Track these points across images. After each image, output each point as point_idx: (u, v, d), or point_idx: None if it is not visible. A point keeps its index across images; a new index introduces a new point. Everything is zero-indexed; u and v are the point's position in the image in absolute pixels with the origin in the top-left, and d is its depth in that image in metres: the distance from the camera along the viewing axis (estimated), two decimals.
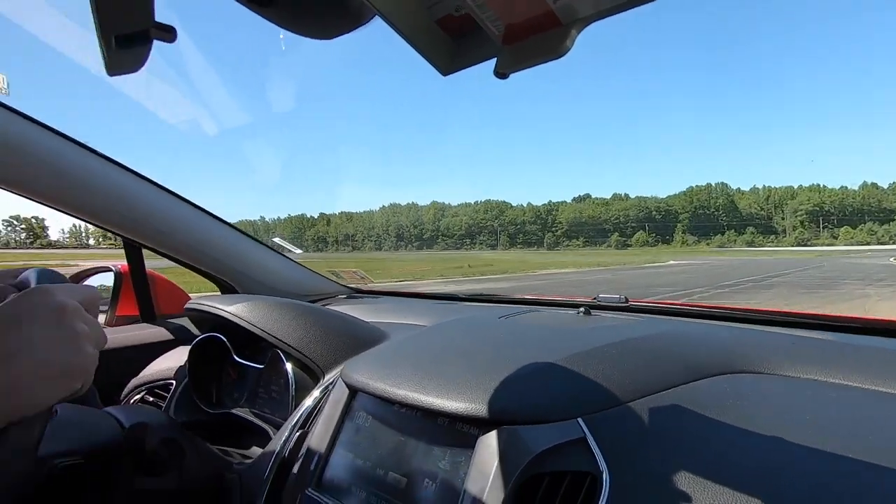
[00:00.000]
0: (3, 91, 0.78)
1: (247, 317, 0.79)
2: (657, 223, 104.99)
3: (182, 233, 1.05)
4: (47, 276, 0.55)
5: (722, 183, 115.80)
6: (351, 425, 0.58)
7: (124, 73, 0.49)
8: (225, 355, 0.94)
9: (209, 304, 0.87)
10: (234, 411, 0.86)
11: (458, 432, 0.50)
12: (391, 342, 0.72)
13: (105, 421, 0.59)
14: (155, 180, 1.01)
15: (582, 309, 0.90)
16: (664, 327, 0.75)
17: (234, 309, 0.81)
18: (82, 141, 0.90)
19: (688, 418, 0.47)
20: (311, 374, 0.74)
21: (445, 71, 0.40)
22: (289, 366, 0.75)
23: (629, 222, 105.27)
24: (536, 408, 0.48)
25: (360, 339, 0.80)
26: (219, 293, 1.15)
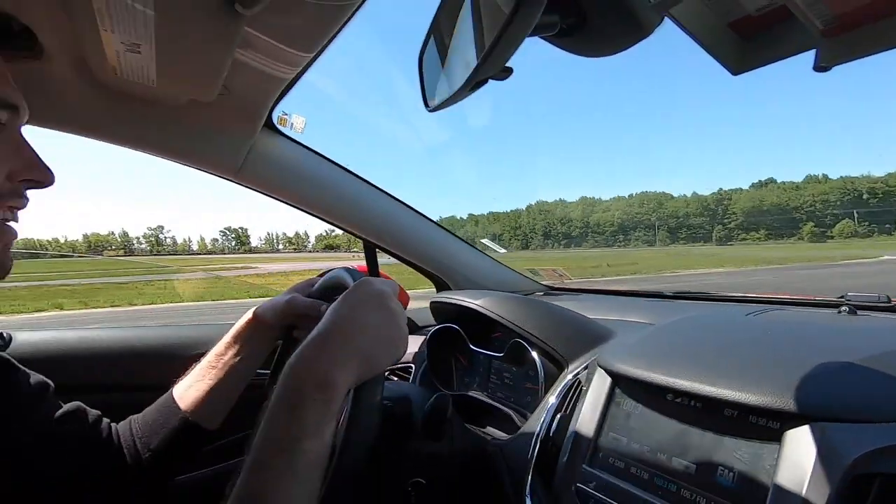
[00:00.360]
0: (300, 130, 0.98)
1: (495, 309, 0.88)
2: (871, 208, 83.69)
3: (409, 236, 1.21)
4: (354, 272, 0.67)
5: None
6: (618, 411, 0.61)
7: (443, 108, 0.58)
8: (457, 344, 1.05)
9: (457, 298, 0.98)
10: (471, 394, 0.95)
11: (753, 425, 0.49)
12: (646, 335, 0.72)
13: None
14: (388, 191, 1.17)
15: (845, 308, 0.81)
16: None
17: (483, 302, 0.91)
18: (339, 162, 1.10)
19: None
20: (556, 363, 0.78)
21: (737, 70, 0.40)
22: (535, 354, 0.80)
23: (829, 209, 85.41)
24: (858, 406, 0.46)
25: (592, 333, 0.83)
26: (433, 290, 1.29)
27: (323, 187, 1.08)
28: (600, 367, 0.66)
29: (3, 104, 0.50)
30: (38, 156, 0.52)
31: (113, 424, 0.73)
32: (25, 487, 0.58)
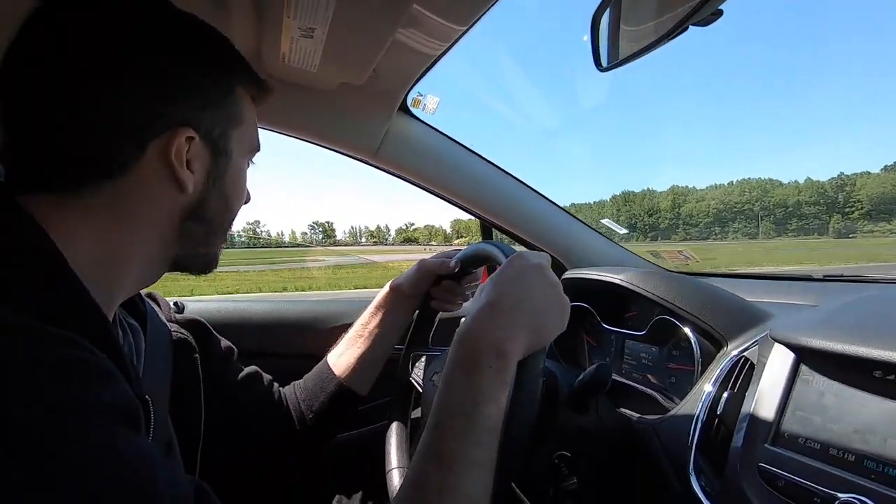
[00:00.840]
0: (431, 111, 1.01)
1: (641, 284, 0.85)
2: None
3: (529, 216, 1.21)
4: (504, 247, 0.67)
5: None
6: (807, 389, 0.57)
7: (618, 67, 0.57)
8: (584, 322, 1.03)
9: (594, 273, 0.96)
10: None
11: None
12: (830, 310, 0.66)
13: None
14: (507, 170, 1.17)
15: None
16: None
17: (627, 277, 0.88)
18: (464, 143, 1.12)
19: None
20: (713, 341, 0.74)
21: None
22: (689, 331, 0.76)
23: None
24: None
25: (752, 310, 0.77)
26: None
27: (449, 169, 1.11)
28: (779, 342, 0.61)
29: (257, 149, 0.57)
30: None
31: (281, 388, 0.80)
32: (208, 445, 0.64)
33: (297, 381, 0.82)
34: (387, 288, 0.84)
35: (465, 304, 0.88)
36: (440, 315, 0.87)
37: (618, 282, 0.89)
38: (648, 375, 0.87)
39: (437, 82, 1.06)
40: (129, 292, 0.51)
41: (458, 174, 1.11)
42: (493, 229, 1.24)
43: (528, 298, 0.50)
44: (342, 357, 0.81)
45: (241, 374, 0.76)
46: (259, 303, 1.23)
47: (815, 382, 0.56)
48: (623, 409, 0.82)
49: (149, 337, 0.58)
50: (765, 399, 0.59)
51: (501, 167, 1.16)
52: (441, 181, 1.10)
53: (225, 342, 0.77)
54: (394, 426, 0.80)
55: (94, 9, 0.43)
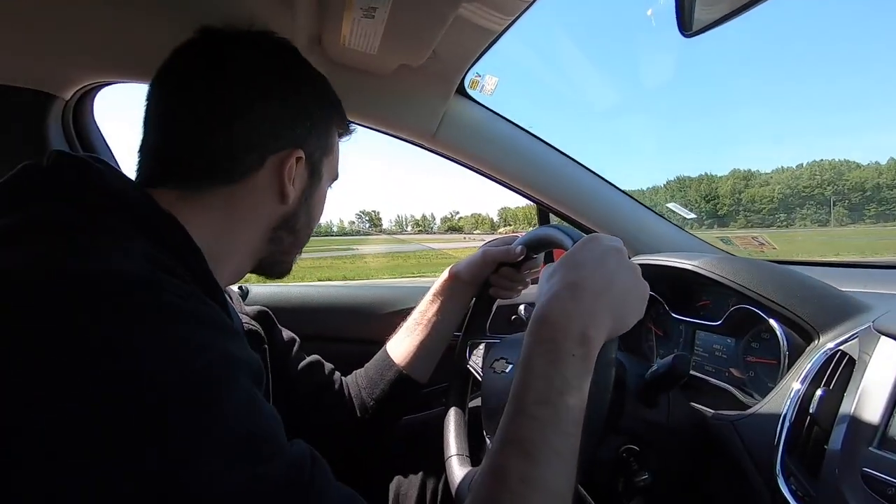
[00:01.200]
0: (489, 92, 0.98)
1: (719, 271, 0.79)
2: None
3: (589, 201, 1.16)
4: (571, 230, 0.63)
5: None
6: None
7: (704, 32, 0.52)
8: (649, 311, 0.97)
9: (664, 259, 0.91)
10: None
11: None
12: None
13: None
14: (567, 153, 1.13)
15: None
16: None
17: (702, 263, 0.82)
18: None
19: None
20: (803, 334, 0.68)
21: None
22: (774, 322, 0.70)
23: None
24: None
25: (847, 301, 0.70)
26: None
27: (507, 152, 1.08)
28: (885, 335, 0.55)
29: (336, 177, 0.64)
30: None
31: (343, 378, 0.82)
32: None
33: (358, 371, 0.84)
34: (446, 275, 0.83)
35: (524, 291, 0.86)
36: (497, 302, 0.86)
37: (691, 268, 0.84)
38: (723, 369, 0.81)
39: (493, 62, 1.03)
40: (224, 285, 0.55)
41: (516, 157, 1.08)
42: (552, 215, 1.20)
43: (612, 282, 0.48)
44: (401, 345, 0.82)
45: (302, 364, 0.78)
46: (320, 287, 1.26)
47: None
48: (693, 404, 0.77)
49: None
50: (869, 398, 0.54)
51: (561, 150, 1.12)
52: (499, 165, 1.07)
53: (287, 333, 0.80)
54: (452, 412, 0.79)
55: (249, 46, 0.54)
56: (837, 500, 0.51)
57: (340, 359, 0.85)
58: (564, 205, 1.14)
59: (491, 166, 1.08)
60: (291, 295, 1.18)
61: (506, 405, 0.44)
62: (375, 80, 0.94)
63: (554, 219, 1.24)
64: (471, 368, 0.81)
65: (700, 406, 0.74)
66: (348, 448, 0.80)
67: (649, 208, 1.20)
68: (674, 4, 0.66)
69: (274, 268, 0.62)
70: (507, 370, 0.71)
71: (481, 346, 0.82)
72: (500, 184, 1.11)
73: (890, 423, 0.51)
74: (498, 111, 1.08)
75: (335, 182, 0.65)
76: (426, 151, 1.08)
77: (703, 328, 0.85)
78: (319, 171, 0.59)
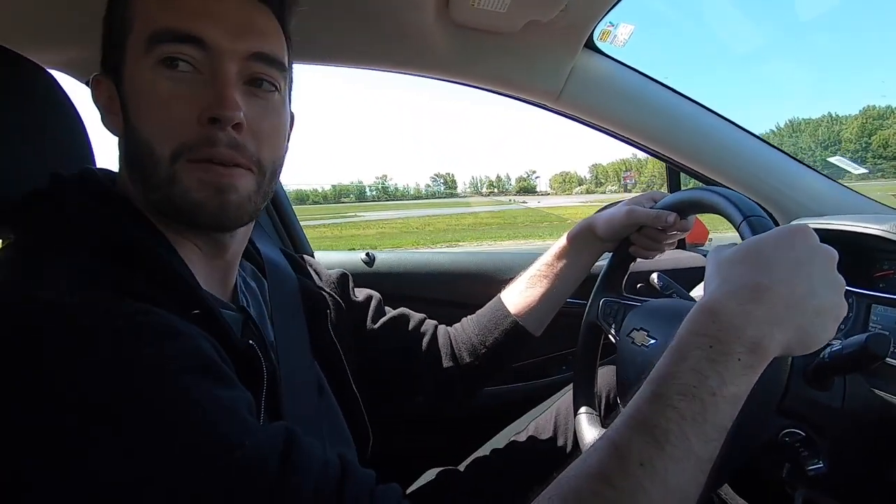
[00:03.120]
0: (621, 44, 0.90)
1: None
2: None
3: (730, 156, 1.05)
4: (739, 198, 0.55)
5: None
6: None
7: None
8: None
9: (837, 223, 0.81)
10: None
11: None
12: None
13: None
14: (708, 106, 1.02)
15: None
16: None
17: (890, 227, 0.72)
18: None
19: None
20: None
21: None
22: None
23: None
24: None
25: None
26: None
27: (639, 109, 0.99)
28: None
29: (168, 34, 0.42)
30: (225, 88, 0.43)
31: (441, 328, 0.81)
32: (362, 389, 0.65)
33: (469, 317, 0.83)
34: (580, 226, 0.80)
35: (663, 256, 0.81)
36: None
37: (876, 232, 0.73)
38: None
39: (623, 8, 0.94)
40: (205, 250, 0.50)
41: (649, 113, 1.00)
42: (682, 174, 1.11)
43: (812, 295, 0.41)
44: (520, 295, 0.80)
45: (384, 319, 0.76)
46: (444, 254, 1.30)
47: None
48: (876, 391, 0.69)
49: (271, 288, 0.60)
50: None
51: (701, 103, 1.01)
52: (630, 123, 1.00)
53: (365, 292, 0.78)
54: (582, 369, 0.80)
55: None
56: None
57: (456, 321, 0.85)
58: (704, 164, 1.04)
59: (621, 124, 1.01)
60: (413, 260, 1.23)
61: (643, 384, 0.40)
62: (500, 41, 0.90)
63: (685, 179, 1.15)
64: (601, 325, 0.79)
65: (886, 394, 0.66)
66: (449, 400, 0.80)
67: (807, 164, 1.06)
68: None
69: (170, 213, 0.45)
70: (647, 344, 0.67)
71: (616, 308, 0.79)
72: (630, 143, 1.04)
73: None
74: (630, 64, 0.99)
75: (165, 32, 0.42)
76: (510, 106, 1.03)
77: (884, 301, 0.75)
78: (118, 62, 0.44)
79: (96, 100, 0.47)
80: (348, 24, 0.87)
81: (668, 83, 1.00)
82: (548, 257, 0.81)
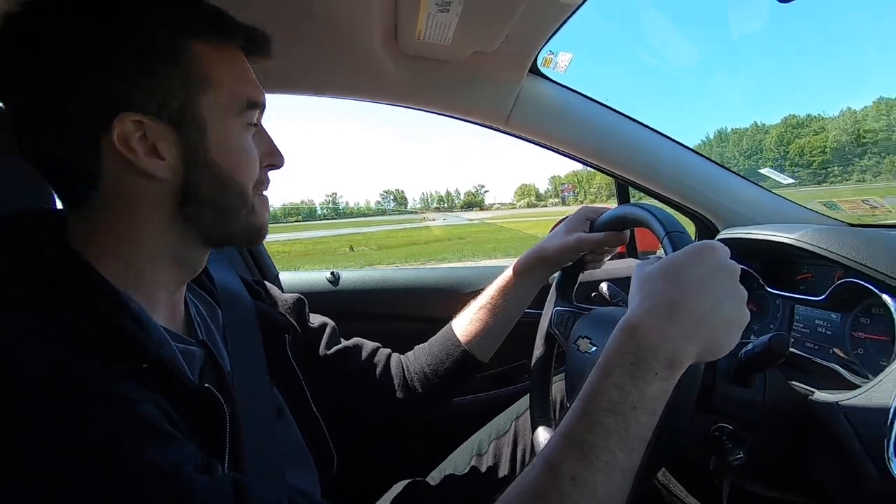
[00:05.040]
0: (562, 69, 0.97)
1: (825, 244, 0.76)
2: None
3: (671, 171, 1.12)
4: (663, 214, 0.60)
5: None
6: None
7: None
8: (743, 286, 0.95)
9: (760, 232, 0.88)
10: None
11: None
12: None
13: None
14: (641, 121, 1.09)
15: None
16: None
17: (802, 236, 0.79)
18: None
19: None
20: None
21: None
22: (888, 298, 0.67)
23: None
24: None
25: None
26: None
27: (583, 128, 1.06)
28: None
29: (255, 104, 0.51)
30: (274, 142, 0.55)
31: (395, 357, 0.81)
32: (323, 413, 0.66)
33: (421, 346, 0.83)
34: (532, 252, 0.82)
35: (606, 266, 0.87)
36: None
37: (791, 241, 0.81)
38: (826, 346, 0.79)
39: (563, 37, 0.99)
40: (176, 285, 0.52)
41: (592, 133, 1.06)
42: (630, 188, 1.18)
43: (718, 308, 0.44)
44: (470, 324, 0.81)
45: (337, 347, 0.76)
46: (403, 270, 1.32)
47: None
48: (793, 383, 0.75)
49: (226, 315, 0.60)
50: None
51: (641, 121, 1.08)
52: (575, 142, 1.06)
53: (320, 319, 0.78)
54: (536, 378, 0.83)
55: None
56: None
57: (421, 338, 0.87)
58: (648, 179, 1.11)
59: (567, 144, 1.06)
60: (375, 278, 1.25)
61: (575, 400, 0.44)
62: (448, 68, 0.95)
63: (636, 194, 1.22)
64: (555, 334, 0.83)
65: (801, 385, 0.73)
66: (402, 426, 0.82)
67: (741, 175, 1.14)
68: None
69: (229, 240, 0.53)
70: (590, 351, 0.72)
71: (566, 316, 0.83)
72: (578, 161, 1.10)
73: None
74: (573, 87, 1.05)
75: (257, 112, 0.51)
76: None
77: (804, 303, 0.83)
78: (193, 117, 0.46)
79: (126, 138, 0.43)
80: (299, 53, 0.89)
81: (609, 104, 1.07)
82: (499, 283, 0.83)
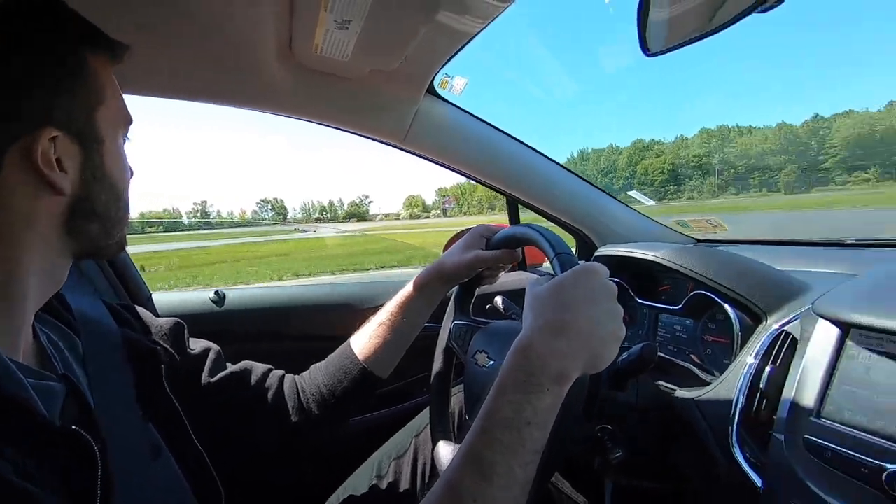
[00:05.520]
0: (458, 92, 1.00)
1: (677, 260, 0.87)
2: None
3: (556, 192, 1.22)
4: (553, 238, 0.64)
5: None
6: (853, 364, 0.59)
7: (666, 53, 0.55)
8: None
9: (628, 249, 0.99)
10: None
11: None
12: (873, 281, 0.69)
13: None
14: (529, 144, 1.18)
15: None
16: None
17: (663, 254, 0.91)
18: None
19: None
20: (752, 316, 0.77)
21: None
22: (728, 307, 0.79)
23: None
24: None
25: (790, 283, 0.80)
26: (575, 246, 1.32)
27: (478, 149, 1.11)
28: (822, 317, 0.64)
29: (131, 119, 0.53)
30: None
31: (289, 378, 0.78)
32: (208, 445, 0.62)
33: (318, 364, 0.81)
34: (430, 268, 0.83)
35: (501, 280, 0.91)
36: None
37: (653, 258, 0.92)
38: (684, 348, 0.91)
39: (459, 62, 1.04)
40: (36, 305, 0.49)
41: (486, 154, 1.12)
42: (521, 207, 1.26)
43: (598, 326, 0.49)
44: (369, 341, 0.80)
45: (223, 373, 0.72)
46: (299, 288, 1.25)
47: (861, 357, 0.59)
48: (659, 383, 0.85)
49: (86, 345, 0.55)
50: (810, 373, 0.62)
51: (529, 145, 1.16)
52: (470, 162, 1.11)
53: (202, 344, 0.73)
54: (436, 392, 0.84)
55: None
56: (784, 465, 0.60)
57: (318, 357, 0.84)
58: (535, 198, 1.20)
59: (463, 163, 1.11)
60: (265, 296, 1.17)
61: (475, 419, 0.46)
62: (346, 84, 0.93)
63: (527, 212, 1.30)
64: (454, 349, 0.85)
65: (666, 384, 0.83)
66: (299, 447, 0.78)
67: (614, 197, 1.28)
68: (636, 22, 0.66)
69: (100, 253, 0.54)
70: (487, 365, 0.75)
71: (464, 330, 0.85)
72: (474, 180, 1.15)
73: (827, 394, 0.60)
74: (468, 109, 1.10)
75: (130, 126, 0.53)
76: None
77: (665, 311, 0.95)
78: (95, 132, 0.47)
79: (36, 152, 0.43)
80: (189, 58, 0.82)
81: (502, 127, 1.14)
82: (399, 299, 0.83)
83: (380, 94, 0.97)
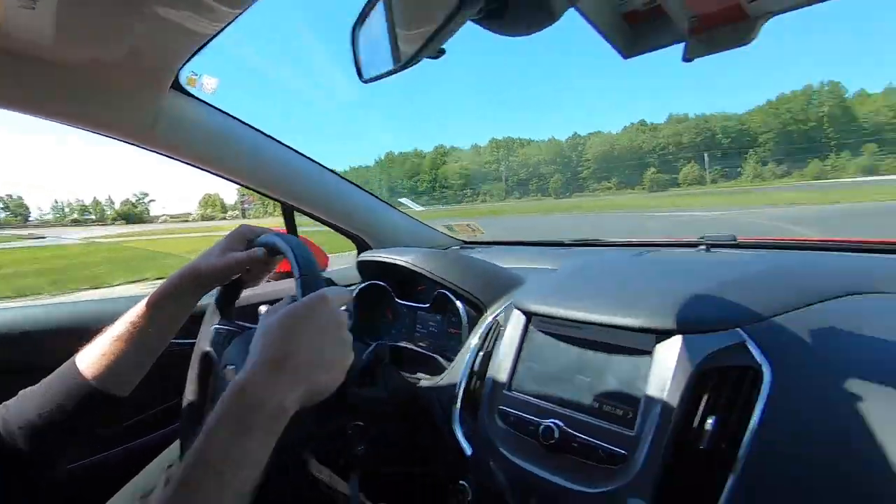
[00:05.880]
0: (209, 91, 0.94)
1: (421, 264, 0.97)
2: (723, 150, 70.79)
3: (328, 197, 1.24)
4: (302, 257, 0.62)
5: (832, 83, 70.88)
6: (532, 343, 0.74)
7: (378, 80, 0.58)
8: (382, 299, 1.13)
9: (385, 255, 1.06)
10: (400, 344, 1.03)
11: (634, 342, 0.62)
12: (552, 278, 0.85)
13: None
14: (304, 152, 1.18)
15: (703, 247, 1.06)
16: (790, 258, 0.92)
17: (411, 258, 1.00)
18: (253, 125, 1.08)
19: (827, 328, 0.60)
20: (477, 309, 0.91)
21: (628, 54, 0.47)
22: (458, 302, 0.92)
23: (681, 152, 72.02)
24: (706, 320, 0.59)
25: (506, 280, 0.96)
26: (355, 251, 1.36)
27: (237, 150, 1.06)
28: (516, 308, 0.78)
29: None
30: None
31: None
32: None
33: (28, 390, 0.67)
34: (181, 274, 0.73)
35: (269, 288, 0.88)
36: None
37: (402, 263, 1.01)
38: (435, 342, 1.01)
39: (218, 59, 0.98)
40: None
41: (252, 158, 1.07)
42: (296, 213, 1.24)
43: (322, 356, 0.50)
44: (106, 355, 0.67)
45: None
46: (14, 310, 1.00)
47: (536, 338, 0.74)
48: (418, 374, 0.93)
49: None
50: (505, 354, 0.75)
51: (298, 150, 1.15)
52: (230, 165, 1.06)
53: None
54: (191, 402, 0.79)
55: None
56: (483, 433, 0.71)
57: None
58: (305, 203, 1.19)
59: (218, 165, 1.05)
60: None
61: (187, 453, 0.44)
62: (69, 74, 0.80)
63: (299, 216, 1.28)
64: (213, 357, 0.80)
65: (424, 375, 0.91)
66: (11, 498, 0.63)
67: (387, 202, 1.36)
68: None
69: None
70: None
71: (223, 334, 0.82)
72: (238, 183, 1.09)
73: (516, 370, 0.73)
74: (225, 109, 1.04)
75: None
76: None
77: (420, 309, 1.05)
78: None
79: None
80: None
81: (274, 133, 1.09)
82: (142, 307, 0.71)
83: (112, 87, 0.85)
